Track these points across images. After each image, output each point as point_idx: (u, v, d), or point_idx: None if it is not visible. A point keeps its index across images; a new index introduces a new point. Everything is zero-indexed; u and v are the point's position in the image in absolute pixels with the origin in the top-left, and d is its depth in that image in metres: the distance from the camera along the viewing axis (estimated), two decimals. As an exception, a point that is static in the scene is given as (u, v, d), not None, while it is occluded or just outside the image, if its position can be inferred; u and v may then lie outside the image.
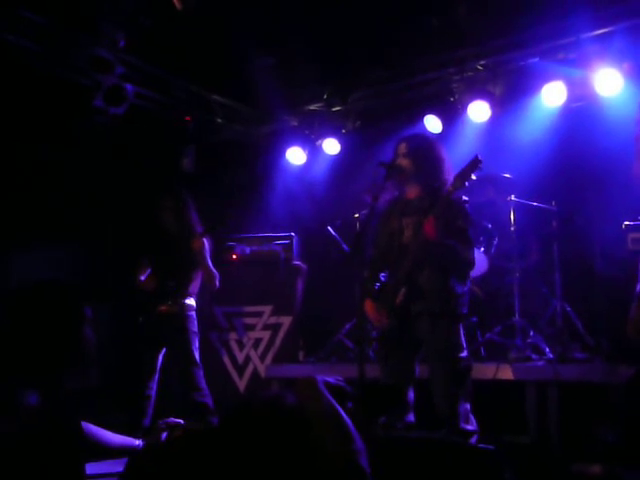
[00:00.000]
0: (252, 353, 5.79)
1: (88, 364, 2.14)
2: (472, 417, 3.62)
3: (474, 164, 3.62)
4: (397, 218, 3.83)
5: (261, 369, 5.70)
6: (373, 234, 3.90)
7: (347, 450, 1.63)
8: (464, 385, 3.62)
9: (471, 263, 3.79)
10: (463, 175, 3.63)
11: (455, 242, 3.67)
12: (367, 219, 3.80)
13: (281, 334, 5.74)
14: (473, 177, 3.68)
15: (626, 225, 4.32)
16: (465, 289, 3.81)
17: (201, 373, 4.65)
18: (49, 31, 4.79)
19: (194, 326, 4.71)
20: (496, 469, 2.38)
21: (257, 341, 5.81)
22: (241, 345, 5.84)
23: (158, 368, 4.68)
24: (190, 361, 4.63)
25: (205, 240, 4.75)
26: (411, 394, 3.76)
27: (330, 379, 1.82)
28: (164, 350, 4.71)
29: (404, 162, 3.81)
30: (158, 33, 5.37)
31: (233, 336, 5.88)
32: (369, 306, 3.77)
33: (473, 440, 3.51)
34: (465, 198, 3.81)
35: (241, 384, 5.78)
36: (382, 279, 3.80)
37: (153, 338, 4.69)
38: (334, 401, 1.73)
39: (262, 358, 5.75)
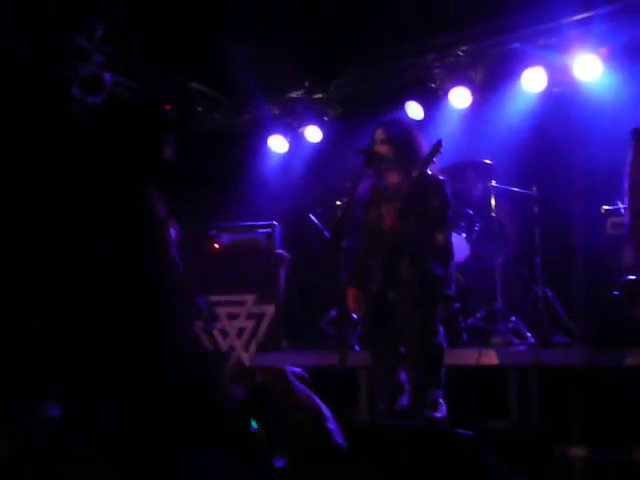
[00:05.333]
0: (236, 342, 5.79)
1: None
2: (442, 404, 3.63)
3: (436, 149, 3.64)
4: (378, 205, 3.83)
5: (245, 358, 5.70)
6: (352, 221, 3.90)
7: (322, 429, 1.69)
8: (435, 372, 3.63)
9: (446, 245, 3.79)
10: (425, 160, 3.65)
11: (429, 227, 3.67)
12: (345, 206, 3.80)
13: (264, 323, 5.73)
14: (433, 161, 3.70)
15: (605, 210, 4.34)
16: (448, 271, 3.81)
17: None
18: (27, 20, 4.73)
19: None
20: (476, 455, 2.39)
21: (241, 330, 5.80)
22: (225, 334, 5.83)
23: None
24: None
25: (171, 229, 4.77)
26: (403, 377, 3.77)
27: (296, 369, 1.89)
28: None
29: (383, 148, 3.80)
30: (137, 22, 5.33)
31: (217, 325, 5.87)
32: (350, 294, 3.79)
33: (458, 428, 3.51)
34: (442, 178, 3.80)
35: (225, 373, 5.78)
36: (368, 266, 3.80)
37: None
38: (304, 387, 1.79)
39: (246, 347, 5.74)
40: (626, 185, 2.96)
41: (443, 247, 3.81)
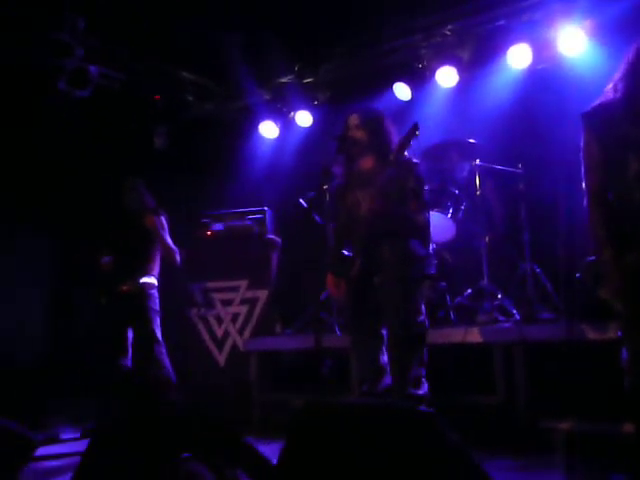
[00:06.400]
0: (230, 328, 5.87)
1: None
2: (425, 382, 3.68)
3: (412, 132, 3.65)
4: (353, 191, 3.87)
5: (240, 343, 5.78)
6: (327, 207, 3.96)
7: None
8: (418, 350, 3.68)
9: (426, 225, 3.86)
10: (403, 143, 3.66)
11: (407, 208, 3.72)
12: (318, 192, 3.84)
13: (258, 308, 5.81)
14: (411, 144, 3.70)
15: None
16: (429, 251, 3.87)
17: (163, 350, 4.77)
18: (6, 16, 4.79)
19: (155, 304, 4.84)
20: (438, 433, 2.44)
21: (235, 315, 5.89)
22: (220, 320, 5.92)
23: (129, 346, 4.81)
24: (151, 338, 4.74)
25: (162, 217, 4.87)
26: (384, 358, 3.82)
27: None
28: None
29: (358, 133, 3.84)
30: (124, 12, 5.37)
31: (211, 311, 5.96)
32: (330, 279, 3.84)
33: (423, 405, 3.57)
34: (415, 160, 3.83)
35: (221, 358, 5.87)
36: (344, 252, 3.85)
37: (117, 318, 4.81)
38: None
39: (241, 332, 5.83)
40: (582, 169, 2.98)
41: (422, 227, 3.87)
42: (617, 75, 2.95)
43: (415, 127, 3.59)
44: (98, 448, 3.05)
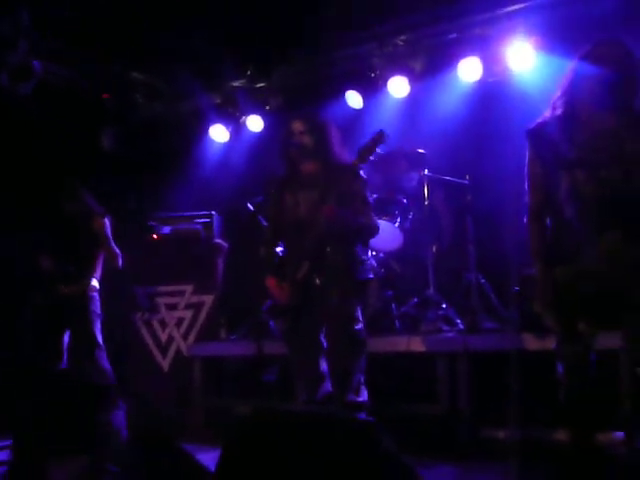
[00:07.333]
0: (175, 332, 5.79)
1: None
2: (364, 389, 3.67)
3: (379, 138, 3.64)
4: (291, 193, 3.86)
5: (184, 348, 5.70)
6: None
7: None
8: (358, 358, 3.66)
9: (375, 228, 3.85)
10: (368, 149, 3.65)
11: (356, 213, 3.71)
12: (265, 196, 3.82)
13: (203, 312, 5.74)
14: (378, 151, 3.70)
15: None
16: (368, 254, 3.87)
17: (103, 354, 4.65)
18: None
19: (96, 307, 4.73)
20: (375, 440, 2.43)
21: (180, 320, 5.80)
22: (164, 325, 5.83)
23: (65, 349, 4.69)
24: (92, 342, 4.63)
25: (106, 220, 4.77)
26: (324, 365, 3.79)
27: None
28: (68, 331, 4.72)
29: (304, 139, 3.83)
30: (75, 10, 5.26)
31: (156, 316, 5.86)
32: (271, 282, 3.80)
33: (362, 412, 3.55)
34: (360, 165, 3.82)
35: (164, 363, 5.78)
36: (279, 254, 3.82)
37: (55, 320, 4.69)
38: None
39: (185, 337, 5.75)
40: (526, 185, 3.00)
41: (371, 232, 3.87)
42: (558, 92, 2.99)
43: (381, 134, 3.59)
44: (28, 454, 2.96)
